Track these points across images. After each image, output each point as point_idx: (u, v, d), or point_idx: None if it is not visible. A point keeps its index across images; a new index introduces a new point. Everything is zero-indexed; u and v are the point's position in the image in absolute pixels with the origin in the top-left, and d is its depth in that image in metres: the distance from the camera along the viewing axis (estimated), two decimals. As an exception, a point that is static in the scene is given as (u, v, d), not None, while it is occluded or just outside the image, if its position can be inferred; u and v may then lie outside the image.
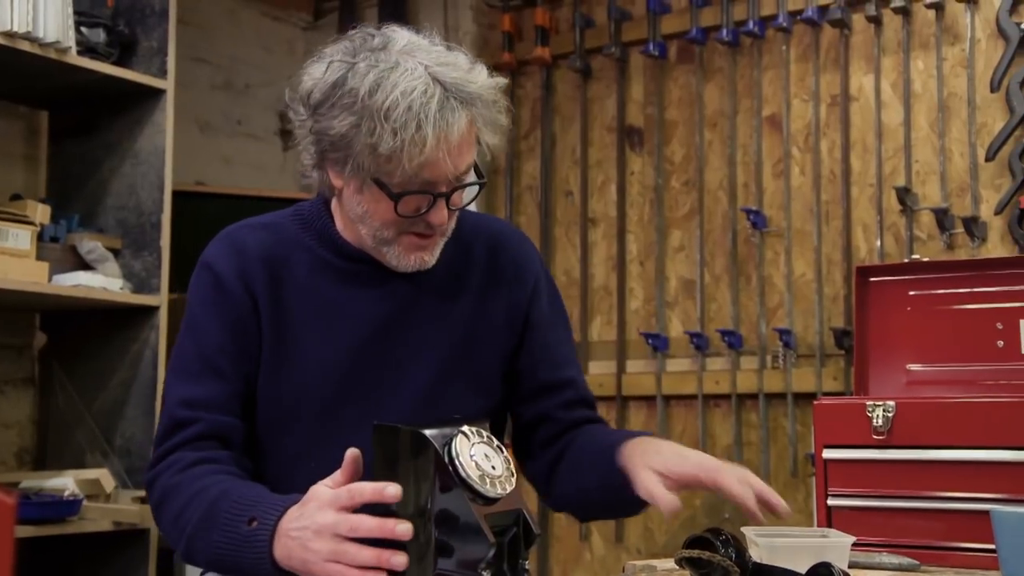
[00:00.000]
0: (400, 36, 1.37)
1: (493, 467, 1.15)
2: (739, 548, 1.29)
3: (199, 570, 1.47)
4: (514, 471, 1.18)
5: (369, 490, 1.15)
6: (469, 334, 1.49)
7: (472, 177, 1.39)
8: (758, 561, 1.30)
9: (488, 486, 1.13)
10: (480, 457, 1.14)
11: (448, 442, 1.14)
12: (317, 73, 1.36)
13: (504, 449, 1.19)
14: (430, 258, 1.43)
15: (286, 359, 1.44)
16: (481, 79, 1.35)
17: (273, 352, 1.44)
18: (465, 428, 1.16)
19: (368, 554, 1.14)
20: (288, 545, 1.19)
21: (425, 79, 1.30)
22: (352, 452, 1.20)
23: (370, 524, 1.14)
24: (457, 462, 1.12)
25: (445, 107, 1.30)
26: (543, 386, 1.53)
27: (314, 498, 1.20)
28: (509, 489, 1.15)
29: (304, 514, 1.19)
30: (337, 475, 1.21)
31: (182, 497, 1.33)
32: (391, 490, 1.13)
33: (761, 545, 1.41)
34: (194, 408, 1.40)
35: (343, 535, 1.15)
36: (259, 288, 1.44)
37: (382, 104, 1.28)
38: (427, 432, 1.14)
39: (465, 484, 1.12)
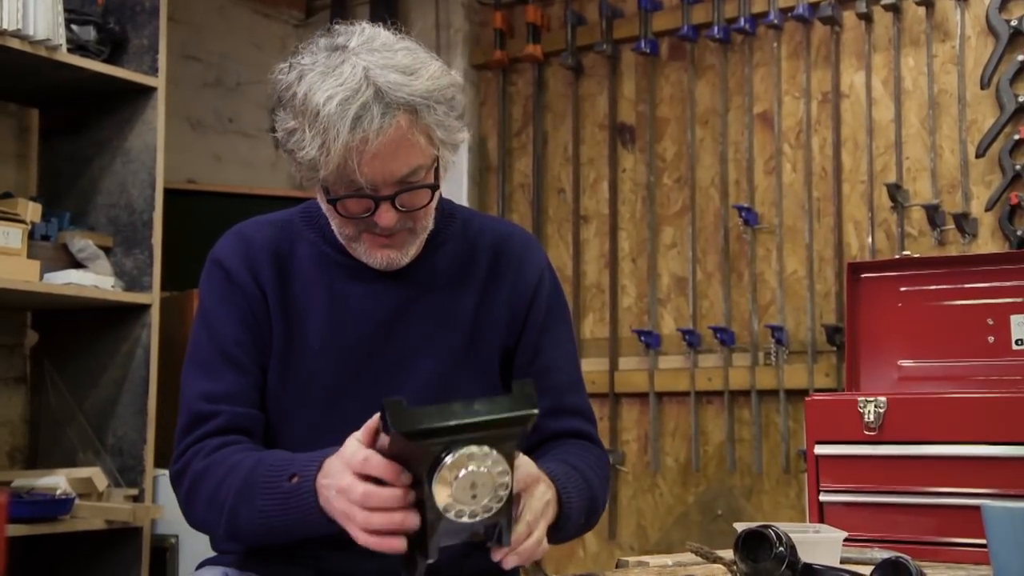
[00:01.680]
0: (362, 34, 1.38)
1: (474, 496, 1.09)
2: (792, 545, 1.30)
3: (192, 570, 1.47)
4: (504, 497, 1.11)
5: (382, 467, 1.15)
6: (471, 331, 1.49)
7: (426, 179, 1.38)
8: (808, 562, 1.31)
9: (452, 515, 1.09)
10: (463, 486, 1.08)
11: (444, 451, 1.08)
12: (282, 72, 1.40)
13: (510, 472, 1.11)
14: (399, 256, 1.43)
15: (293, 351, 1.45)
16: (424, 80, 1.34)
17: (281, 343, 1.45)
18: (473, 448, 1.09)
19: (379, 519, 1.15)
20: (324, 495, 1.23)
21: (358, 81, 1.30)
22: (373, 419, 1.20)
23: (383, 495, 1.14)
24: (433, 488, 1.08)
25: (367, 113, 1.29)
26: None
27: (341, 453, 1.22)
28: (479, 519, 1.10)
29: (331, 470, 1.22)
30: (362, 431, 1.21)
31: (215, 476, 1.35)
32: (405, 478, 1.14)
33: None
34: (215, 402, 1.41)
35: (356, 501, 1.17)
36: (267, 281, 1.46)
37: (311, 108, 1.31)
38: (426, 431, 1.09)
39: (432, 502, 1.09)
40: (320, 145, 1.30)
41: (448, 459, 1.08)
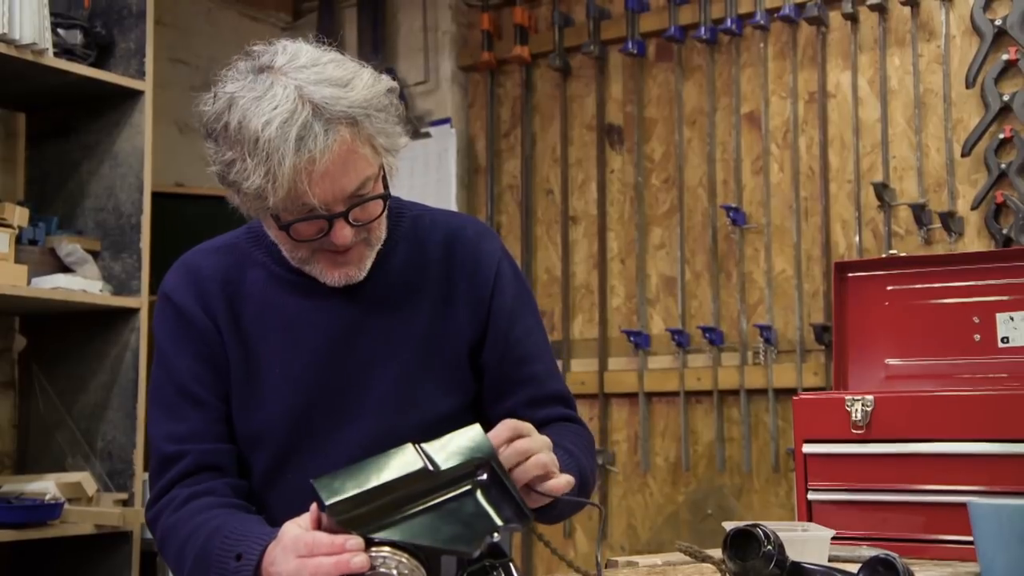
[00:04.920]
0: (285, 53, 1.34)
1: None
2: (780, 543, 1.30)
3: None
4: None
5: (326, 544, 1.11)
6: (432, 334, 1.47)
7: (375, 189, 1.36)
8: (797, 561, 1.31)
9: None
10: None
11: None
12: (207, 103, 1.36)
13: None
14: (356, 271, 1.41)
15: (253, 378, 1.44)
16: (359, 91, 1.31)
17: (240, 373, 1.44)
18: (385, 552, 1.08)
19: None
20: None
21: (293, 102, 1.27)
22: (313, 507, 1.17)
23: (328, 567, 1.10)
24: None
25: (309, 133, 1.26)
26: (507, 382, 1.50)
27: (282, 538, 1.18)
28: None
29: (276, 558, 1.19)
30: (307, 517, 1.17)
31: (179, 537, 1.35)
32: (351, 543, 1.09)
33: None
34: (180, 442, 1.41)
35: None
36: (219, 312, 1.45)
37: (249, 136, 1.28)
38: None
39: None
40: (265, 173, 1.27)
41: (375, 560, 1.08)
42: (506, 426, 1.22)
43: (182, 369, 1.43)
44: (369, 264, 1.42)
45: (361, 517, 1.09)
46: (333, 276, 1.40)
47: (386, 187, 1.38)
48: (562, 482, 1.22)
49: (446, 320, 1.48)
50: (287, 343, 1.44)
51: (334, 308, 1.44)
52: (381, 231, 1.42)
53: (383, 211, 1.39)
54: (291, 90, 1.28)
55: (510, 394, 1.50)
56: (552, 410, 1.51)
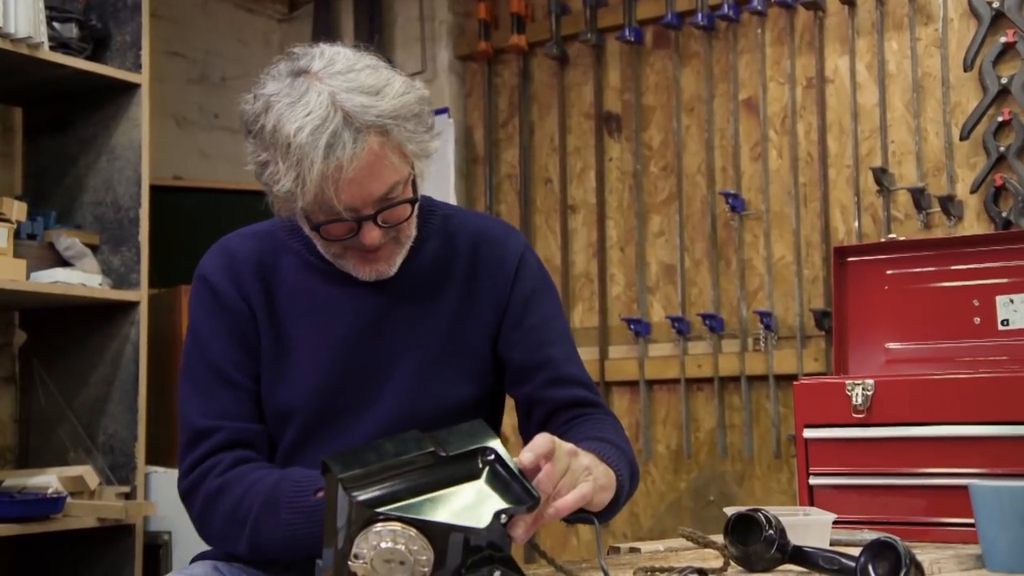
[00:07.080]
0: (322, 57, 1.37)
1: (391, 568, 1.09)
2: (781, 528, 1.30)
3: (186, 565, 1.48)
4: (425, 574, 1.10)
5: None
6: (455, 325, 1.51)
7: (404, 193, 1.39)
8: (798, 545, 1.31)
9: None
10: (380, 560, 1.08)
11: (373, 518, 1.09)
12: (248, 102, 1.39)
13: (432, 554, 1.10)
14: (387, 267, 1.45)
15: (283, 359, 1.48)
16: (390, 100, 1.34)
17: (271, 354, 1.48)
18: (395, 525, 1.09)
19: None
20: None
21: (326, 108, 1.30)
22: None
23: None
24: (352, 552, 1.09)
25: (339, 140, 1.29)
26: (523, 368, 1.53)
27: None
28: None
29: None
30: None
31: (235, 493, 1.37)
32: None
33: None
34: (214, 417, 1.44)
35: None
36: (253, 295, 1.48)
37: (282, 140, 1.31)
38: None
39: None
40: (295, 177, 1.31)
41: (373, 528, 1.08)
42: (537, 447, 1.19)
43: (216, 349, 1.47)
44: (399, 261, 1.47)
45: (372, 492, 1.11)
46: (364, 272, 1.45)
47: (415, 191, 1.42)
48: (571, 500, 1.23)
49: (470, 313, 1.52)
50: (316, 327, 1.48)
51: (363, 297, 1.48)
52: (411, 231, 1.47)
53: (411, 214, 1.43)
54: (324, 96, 1.31)
55: (529, 378, 1.53)
56: (572, 390, 1.53)
